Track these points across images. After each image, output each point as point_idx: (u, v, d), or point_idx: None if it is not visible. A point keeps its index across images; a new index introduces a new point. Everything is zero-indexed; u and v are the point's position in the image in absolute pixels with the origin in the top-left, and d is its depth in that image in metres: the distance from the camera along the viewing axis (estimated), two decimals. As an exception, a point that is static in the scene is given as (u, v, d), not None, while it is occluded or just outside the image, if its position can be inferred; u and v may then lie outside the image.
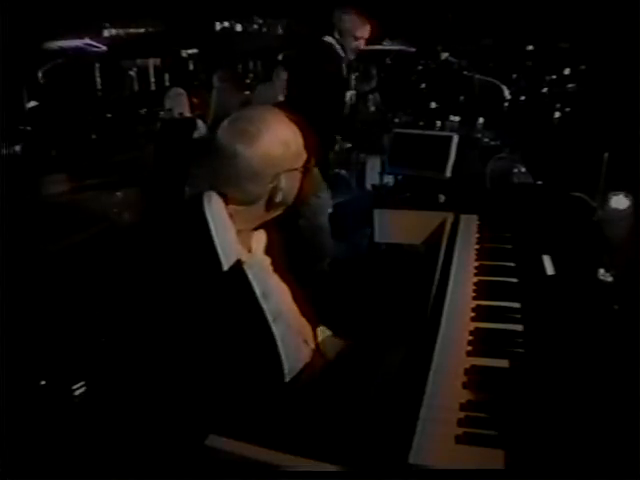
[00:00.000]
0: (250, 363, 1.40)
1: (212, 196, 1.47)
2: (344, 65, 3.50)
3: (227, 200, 1.47)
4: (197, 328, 1.35)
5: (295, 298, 1.63)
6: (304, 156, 1.51)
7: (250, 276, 1.47)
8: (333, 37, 3.44)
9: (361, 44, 3.48)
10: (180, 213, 1.57)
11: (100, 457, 1.50)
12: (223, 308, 1.39)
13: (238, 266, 1.44)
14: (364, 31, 3.45)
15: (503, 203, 2.43)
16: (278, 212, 1.54)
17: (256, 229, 1.55)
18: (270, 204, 1.49)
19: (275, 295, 1.52)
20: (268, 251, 1.58)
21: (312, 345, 1.63)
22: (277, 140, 1.44)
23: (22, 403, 1.94)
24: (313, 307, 1.67)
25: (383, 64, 6.39)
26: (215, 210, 1.45)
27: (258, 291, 1.48)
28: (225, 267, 1.42)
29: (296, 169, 1.50)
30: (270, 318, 1.47)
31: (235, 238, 1.46)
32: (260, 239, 1.57)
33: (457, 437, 1.08)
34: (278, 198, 1.48)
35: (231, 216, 1.46)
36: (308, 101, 3.14)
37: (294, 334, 1.55)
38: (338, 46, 3.44)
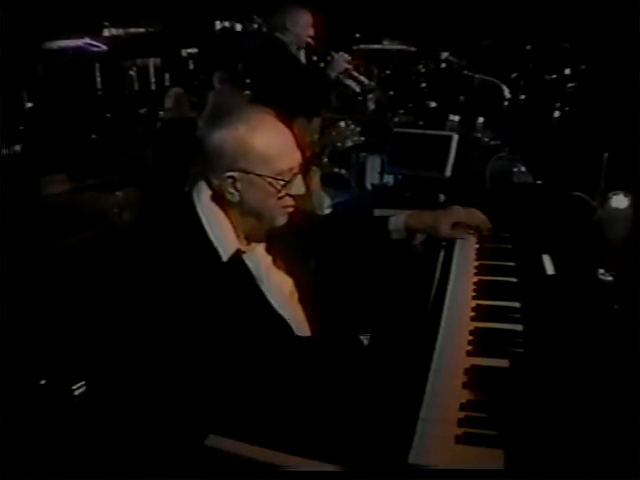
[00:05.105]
0: (262, 352, 1.39)
1: (200, 188, 1.47)
2: (300, 53, 3.65)
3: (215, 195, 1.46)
4: (203, 324, 1.35)
5: (301, 299, 1.62)
6: (277, 168, 1.42)
7: (250, 267, 1.47)
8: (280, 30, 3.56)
9: (311, 31, 3.60)
10: (172, 210, 1.56)
11: (100, 457, 1.50)
12: (228, 299, 1.38)
13: (238, 257, 1.44)
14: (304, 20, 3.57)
15: (503, 203, 2.42)
16: (262, 223, 1.49)
17: (251, 241, 1.53)
18: (231, 203, 1.44)
19: (274, 295, 1.51)
20: (273, 250, 1.56)
21: None
22: (234, 134, 1.40)
23: (22, 403, 1.94)
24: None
25: (384, 63, 6.41)
26: (204, 202, 1.45)
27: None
28: (224, 258, 1.42)
29: (261, 176, 1.41)
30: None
31: (230, 228, 1.46)
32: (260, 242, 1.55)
33: (457, 437, 1.08)
34: (232, 197, 1.43)
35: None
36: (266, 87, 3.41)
37: None
38: (288, 39, 3.56)
